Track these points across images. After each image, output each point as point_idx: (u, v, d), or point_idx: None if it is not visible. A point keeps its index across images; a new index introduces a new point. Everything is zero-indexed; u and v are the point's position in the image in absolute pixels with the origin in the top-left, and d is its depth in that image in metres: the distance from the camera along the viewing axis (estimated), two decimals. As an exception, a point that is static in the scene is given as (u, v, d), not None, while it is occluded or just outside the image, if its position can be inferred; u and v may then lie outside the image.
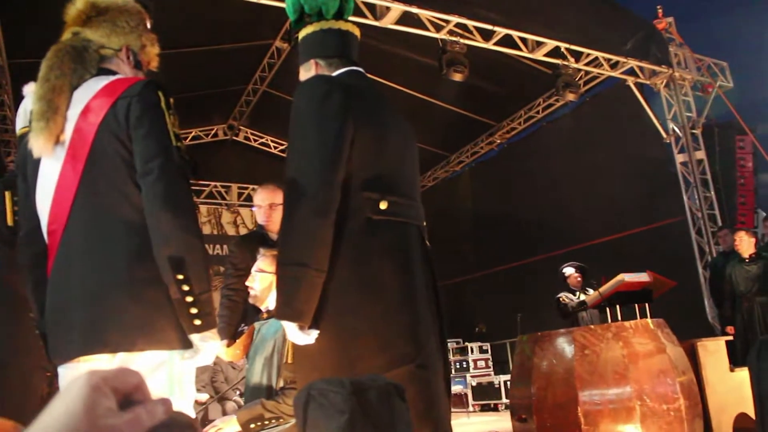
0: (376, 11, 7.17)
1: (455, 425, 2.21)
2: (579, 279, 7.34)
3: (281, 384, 2.75)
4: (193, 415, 2.00)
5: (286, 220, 1.91)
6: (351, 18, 2.32)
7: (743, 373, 4.19)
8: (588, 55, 8.73)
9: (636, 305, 5.26)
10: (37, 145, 1.81)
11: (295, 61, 2.36)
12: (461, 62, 7.60)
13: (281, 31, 9.59)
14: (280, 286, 1.90)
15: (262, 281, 2.96)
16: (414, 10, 7.12)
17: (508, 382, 7.86)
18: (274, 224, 3.74)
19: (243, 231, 12.68)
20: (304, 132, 1.98)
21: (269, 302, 2.94)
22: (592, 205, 9.86)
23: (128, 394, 0.62)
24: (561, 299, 7.23)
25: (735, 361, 5.31)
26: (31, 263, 1.94)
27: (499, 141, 12.10)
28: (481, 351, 10.85)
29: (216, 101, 11.64)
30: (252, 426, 2.64)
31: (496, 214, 11.73)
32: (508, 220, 11.34)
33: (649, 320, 3.89)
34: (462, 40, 7.71)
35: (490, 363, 10.74)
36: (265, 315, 3.02)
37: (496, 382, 9.44)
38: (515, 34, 7.94)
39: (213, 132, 12.92)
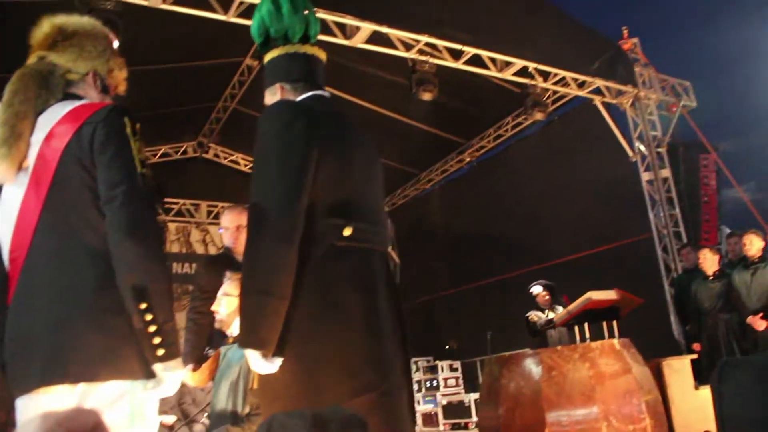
0: (346, 30, 7.20)
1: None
2: (547, 297, 7.42)
3: (247, 410, 2.73)
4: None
5: (249, 247, 1.90)
6: (321, 37, 2.32)
7: (707, 392, 4.24)
8: (556, 74, 8.85)
9: (604, 323, 5.31)
10: (0, 171, 1.79)
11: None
12: (431, 81, 7.67)
13: (252, 49, 9.58)
14: (242, 314, 1.88)
15: (228, 305, 2.95)
16: (384, 29, 7.17)
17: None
18: (241, 246, 3.70)
19: (212, 249, 12.59)
20: (267, 158, 1.97)
21: (235, 326, 2.92)
22: (561, 222, 9.94)
23: None
24: (530, 318, 7.31)
25: (701, 379, 5.38)
26: (-10, 291, 1.90)
27: (468, 159, 12.16)
28: (452, 369, 10.84)
29: (185, 118, 11.56)
30: (217, 453, 2.62)
31: (467, 231, 11.77)
32: (478, 237, 11.39)
33: (615, 341, 3.93)
34: (432, 60, 7.77)
35: (461, 381, 10.72)
36: (231, 339, 3.01)
37: (467, 400, 9.42)
38: (484, 54, 8.03)
39: (182, 149, 12.82)
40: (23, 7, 5.70)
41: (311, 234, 1.94)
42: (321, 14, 6.45)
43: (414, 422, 2.09)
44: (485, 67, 8.23)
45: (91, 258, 1.76)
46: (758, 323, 6.36)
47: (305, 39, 2.26)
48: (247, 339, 1.86)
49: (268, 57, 2.27)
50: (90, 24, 2.09)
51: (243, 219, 3.71)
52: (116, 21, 5.56)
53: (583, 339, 5.47)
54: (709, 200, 9.82)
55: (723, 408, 2.90)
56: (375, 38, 7.34)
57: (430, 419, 10.05)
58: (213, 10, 6.41)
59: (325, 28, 6.84)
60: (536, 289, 7.49)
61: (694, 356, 5.67)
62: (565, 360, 3.67)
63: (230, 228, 3.81)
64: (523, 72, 8.50)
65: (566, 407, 3.55)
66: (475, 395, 9.09)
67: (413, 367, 10.84)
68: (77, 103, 1.91)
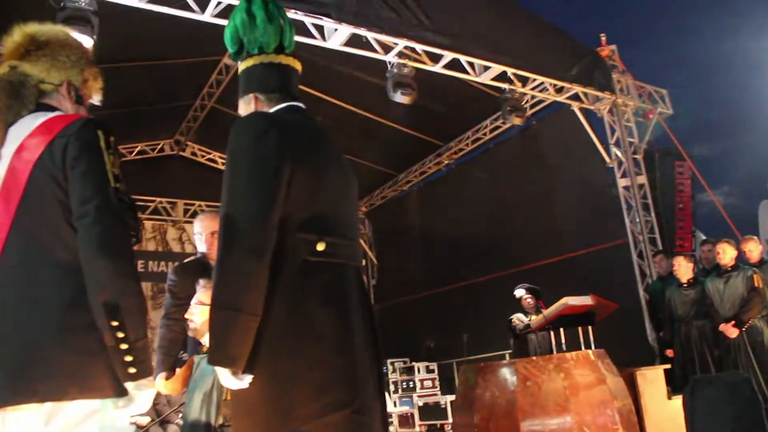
0: (324, 32, 7.16)
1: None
2: (530, 301, 7.47)
3: (220, 421, 2.71)
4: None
5: (220, 262, 1.86)
6: (299, 38, 2.29)
7: (680, 401, 4.29)
8: (534, 80, 8.87)
9: (579, 328, 5.35)
10: None
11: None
12: (409, 85, 7.66)
13: (230, 48, 9.50)
14: (212, 330, 1.85)
15: (201, 314, 2.92)
16: (362, 32, 7.14)
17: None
18: (215, 252, 3.68)
19: (188, 248, 12.49)
20: (239, 170, 1.93)
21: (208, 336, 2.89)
22: (538, 226, 10.00)
23: None
24: (512, 321, 7.36)
25: (674, 386, 5.44)
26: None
27: (447, 161, 12.19)
28: (428, 371, 10.85)
29: (163, 116, 11.49)
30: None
31: (444, 233, 11.79)
32: (456, 239, 11.41)
33: (590, 351, 3.96)
34: (410, 63, 7.76)
35: (437, 383, 10.74)
36: (204, 348, 2.97)
37: (443, 402, 9.43)
38: (463, 58, 8.03)
39: (159, 147, 12.75)
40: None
41: (283, 249, 1.91)
42: (299, 15, 6.41)
43: (387, 438, 2.08)
44: (464, 71, 8.24)
45: (62, 275, 1.73)
46: (730, 330, 6.45)
47: (280, 49, 2.23)
48: (216, 356, 1.83)
49: (243, 66, 2.24)
50: (63, 33, 2.06)
51: (217, 225, 3.67)
52: (91, 18, 5.51)
53: (558, 344, 5.51)
54: (683, 207, 9.93)
55: (695, 421, 2.94)
56: (353, 40, 7.31)
57: (406, 420, 10.05)
58: (190, 10, 6.34)
59: (303, 29, 6.80)
60: (519, 293, 7.55)
61: (668, 366, 5.73)
62: (540, 370, 3.69)
63: (204, 233, 3.77)
64: (501, 77, 8.52)
65: (541, 417, 3.57)
66: (451, 397, 9.12)
67: (389, 368, 10.86)
68: (50, 115, 1.87)
